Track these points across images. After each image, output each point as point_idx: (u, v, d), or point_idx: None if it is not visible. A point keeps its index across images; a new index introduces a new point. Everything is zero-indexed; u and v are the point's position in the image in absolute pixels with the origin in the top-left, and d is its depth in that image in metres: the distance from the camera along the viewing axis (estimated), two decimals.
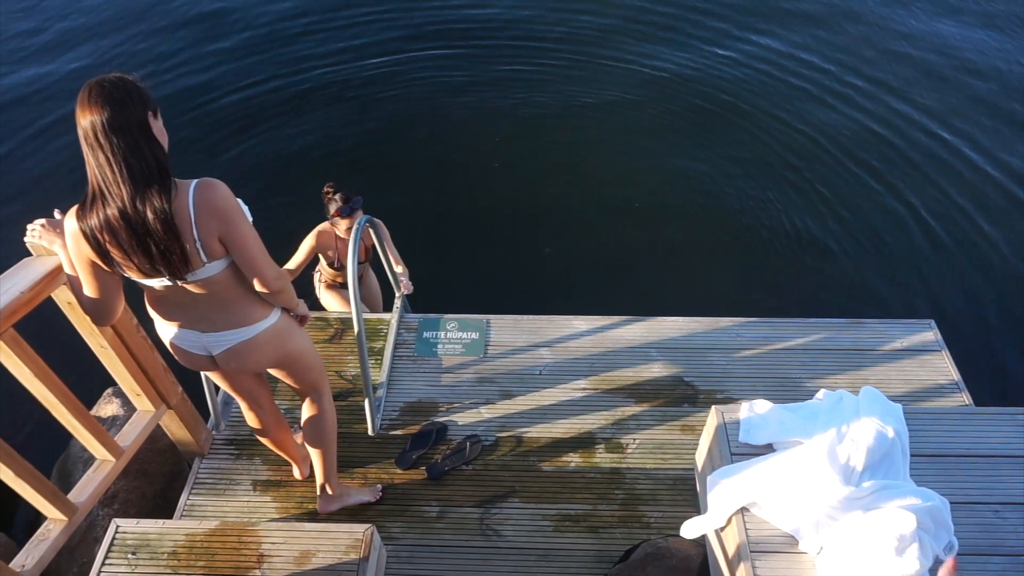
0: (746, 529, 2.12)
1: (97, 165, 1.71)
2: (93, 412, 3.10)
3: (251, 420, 2.56)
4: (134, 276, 1.87)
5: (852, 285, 4.49)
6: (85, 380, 3.03)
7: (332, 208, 3.22)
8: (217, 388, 3.06)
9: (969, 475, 2.23)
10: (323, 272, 3.74)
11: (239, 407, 3.07)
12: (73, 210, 1.80)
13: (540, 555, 2.61)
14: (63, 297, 2.13)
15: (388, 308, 3.60)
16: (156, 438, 2.95)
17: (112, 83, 1.69)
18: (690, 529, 2.30)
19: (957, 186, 5.10)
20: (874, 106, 5.78)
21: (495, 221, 4.91)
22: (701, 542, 2.46)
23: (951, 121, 5.64)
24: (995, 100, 5.83)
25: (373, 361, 3.27)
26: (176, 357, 2.20)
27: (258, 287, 1.98)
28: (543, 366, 3.25)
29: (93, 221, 1.75)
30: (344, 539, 2.24)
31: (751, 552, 2.06)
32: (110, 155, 1.69)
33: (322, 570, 2.17)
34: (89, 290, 1.91)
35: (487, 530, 2.69)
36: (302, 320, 2.29)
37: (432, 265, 4.54)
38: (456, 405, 3.11)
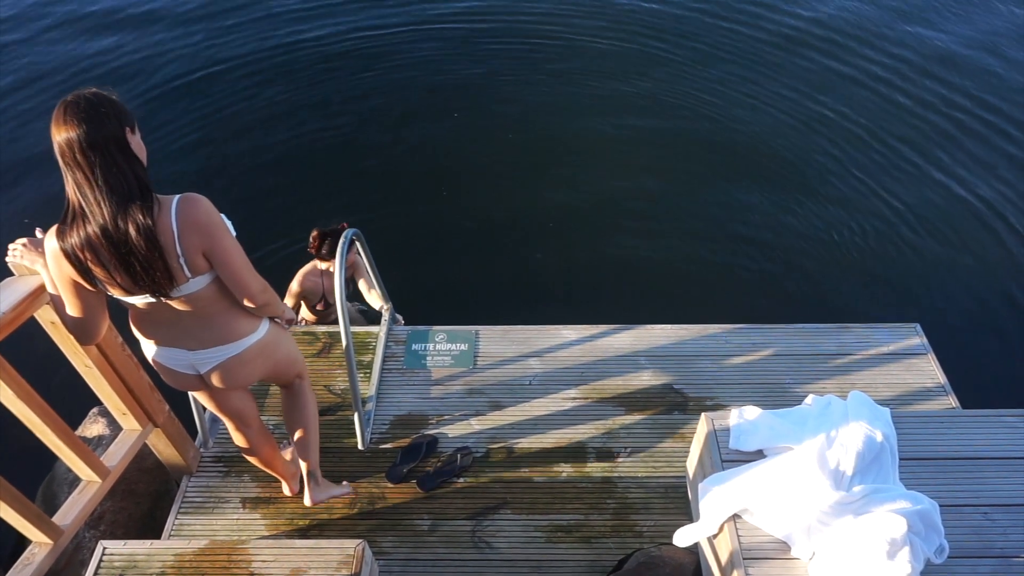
0: (738, 536, 2.12)
1: (75, 183, 1.68)
2: (78, 432, 3.06)
3: (238, 440, 2.53)
4: (117, 294, 1.85)
5: (838, 290, 4.53)
6: (70, 400, 2.99)
7: (325, 250, 3.32)
8: (204, 405, 3.03)
9: (958, 477, 2.25)
10: (305, 321, 3.77)
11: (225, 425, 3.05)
12: (53, 230, 1.78)
13: (533, 566, 2.60)
14: (46, 317, 2.11)
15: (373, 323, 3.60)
16: (143, 457, 2.92)
17: (87, 99, 1.66)
18: (683, 537, 2.30)
19: (940, 189, 5.16)
20: (858, 111, 5.85)
21: (482, 231, 4.91)
22: (694, 550, 2.46)
23: (933, 121, 5.72)
24: (984, 101, 5.92)
25: (362, 375, 3.25)
26: (163, 377, 2.18)
27: (244, 302, 1.97)
28: (533, 376, 3.25)
29: (73, 240, 1.72)
30: (335, 555, 2.22)
31: (744, 559, 2.06)
32: (88, 173, 1.66)
33: None
34: (72, 310, 1.88)
35: (479, 542, 2.67)
36: (288, 322, 2.29)
37: (420, 276, 4.54)
38: (446, 417, 3.10)
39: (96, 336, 1.97)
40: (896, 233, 4.86)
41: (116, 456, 2.54)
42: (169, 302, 1.88)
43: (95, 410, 3.16)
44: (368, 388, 3.19)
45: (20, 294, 1.98)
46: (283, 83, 6.20)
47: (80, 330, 1.94)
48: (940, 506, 2.04)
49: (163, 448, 2.78)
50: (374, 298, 3.56)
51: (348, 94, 6.11)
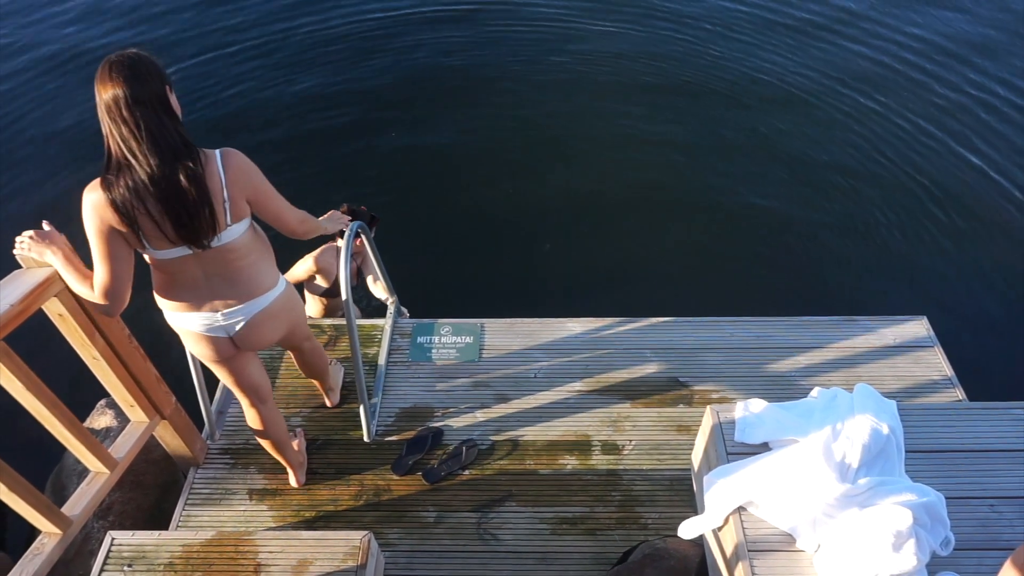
0: (743, 528, 2.12)
1: (121, 138, 1.77)
2: (86, 424, 3.08)
3: (253, 419, 2.56)
4: (156, 247, 1.92)
5: (844, 282, 4.51)
6: (78, 392, 3.02)
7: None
8: (211, 396, 3.05)
9: (964, 470, 2.24)
10: (311, 315, 3.78)
11: (233, 415, 3.07)
12: (96, 183, 1.84)
13: (538, 559, 2.61)
14: (54, 309, 2.12)
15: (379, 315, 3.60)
16: (150, 449, 2.94)
17: (131, 58, 1.77)
18: (688, 529, 2.31)
19: (947, 179, 5.13)
20: (859, 104, 5.81)
21: (488, 224, 4.91)
22: (699, 542, 2.46)
23: (939, 114, 5.68)
24: (990, 91, 5.88)
25: (367, 367, 3.26)
26: (195, 349, 2.26)
27: (291, 231, 2.23)
28: (538, 369, 3.25)
29: (121, 190, 1.80)
30: (341, 547, 2.23)
31: (749, 551, 2.06)
32: (134, 128, 1.76)
33: None
34: (103, 270, 1.90)
35: (485, 534, 2.68)
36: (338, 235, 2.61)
37: (425, 269, 4.54)
38: (451, 410, 3.11)
39: (121, 303, 1.98)
40: (903, 225, 4.84)
41: (124, 448, 2.56)
42: (204, 254, 1.98)
43: (103, 402, 3.18)
44: (373, 381, 3.20)
45: (28, 286, 1.99)
46: (286, 71, 6.20)
47: (108, 295, 1.94)
48: (946, 498, 2.04)
49: (170, 440, 2.80)
50: (379, 290, 3.57)
51: (353, 85, 6.09)
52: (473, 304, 3.90)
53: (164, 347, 3.30)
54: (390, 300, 3.53)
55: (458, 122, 5.74)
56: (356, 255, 3.64)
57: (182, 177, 1.81)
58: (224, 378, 2.43)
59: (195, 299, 2.09)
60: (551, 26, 6.74)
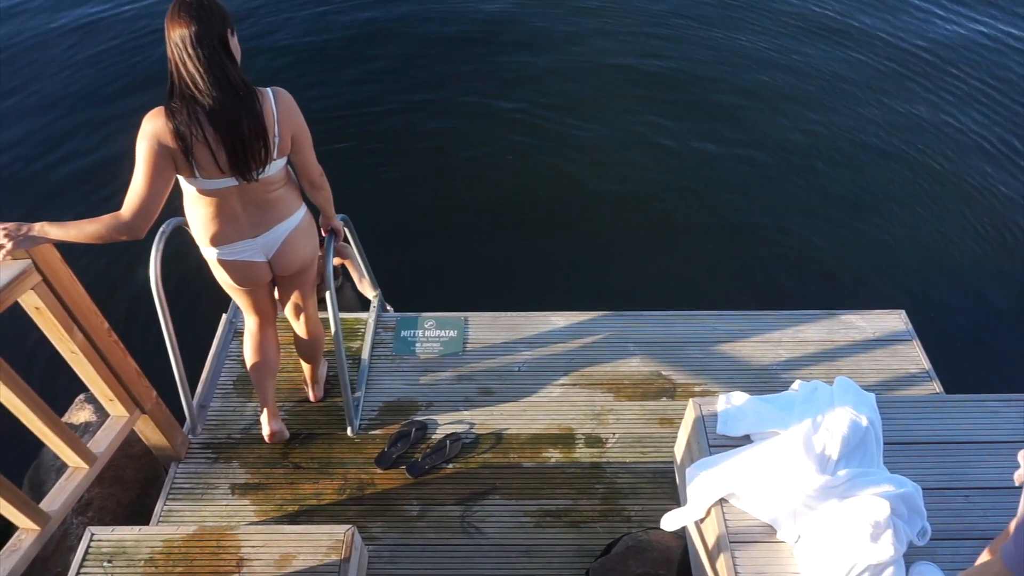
0: (725, 520, 2.14)
1: (187, 73, 1.91)
2: (65, 419, 3.04)
3: (261, 342, 2.69)
4: (206, 175, 2.04)
5: (824, 276, 4.55)
6: (56, 386, 2.98)
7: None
8: (193, 390, 3.02)
9: (940, 461, 2.28)
10: None
11: (215, 409, 3.04)
12: (159, 110, 1.96)
13: (522, 551, 2.62)
14: (30, 302, 2.08)
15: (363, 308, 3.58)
16: (131, 443, 2.90)
17: (199, 0, 1.91)
18: (670, 522, 2.33)
19: (925, 175, 5.19)
20: (838, 99, 5.87)
21: (472, 218, 4.90)
22: (681, 534, 2.48)
23: (916, 109, 5.74)
24: (960, 77, 5.95)
25: (351, 361, 3.25)
26: (232, 277, 2.37)
27: (310, 180, 2.33)
28: (522, 363, 3.26)
29: (184, 117, 1.93)
30: (325, 540, 2.22)
31: (730, 543, 2.09)
32: (199, 64, 1.90)
33: (303, 572, 2.16)
34: (142, 184, 1.97)
35: (469, 528, 2.69)
36: (336, 234, 2.67)
37: (409, 263, 4.52)
38: (435, 403, 3.11)
39: (148, 219, 2.02)
40: (881, 219, 4.89)
41: (103, 443, 2.53)
42: (246, 186, 2.12)
43: (81, 396, 3.13)
44: (357, 375, 3.19)
45: (3, 280, 1.95)
46: (264, 57, 6.14)
47: (138, 210, 1.99)
48: (923, 489, 2.07)
49: (151, 434, 2.77)
50: (363, 285, 3.55)
51: (332, 76, 6.05)
52: (457, 298, 3.89)
53: (145, 340, 3.26)
54: (373, 294, 3.52)
55: (441, 115, 5.72)
56: (340, 251, 3.62)
57: (242, 112, 1.96)
58: (250, 303, 2.56)
59: (234, 229, 2.23)
60: (536, 21, 6.73)
